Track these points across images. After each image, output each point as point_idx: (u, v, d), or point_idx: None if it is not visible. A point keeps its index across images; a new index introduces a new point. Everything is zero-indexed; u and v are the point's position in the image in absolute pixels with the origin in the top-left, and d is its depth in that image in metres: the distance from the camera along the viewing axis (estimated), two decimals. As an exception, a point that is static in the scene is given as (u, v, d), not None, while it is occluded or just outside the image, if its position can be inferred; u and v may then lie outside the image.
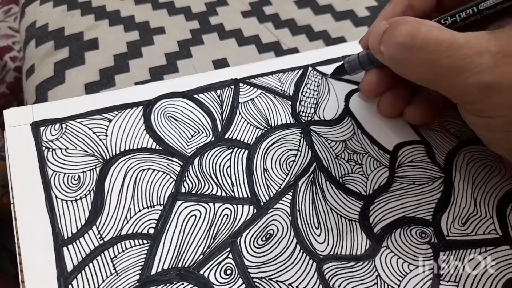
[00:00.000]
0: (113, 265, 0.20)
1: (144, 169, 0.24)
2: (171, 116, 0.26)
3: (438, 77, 0.20)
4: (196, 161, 0.24)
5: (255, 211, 0.23)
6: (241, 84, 0.28)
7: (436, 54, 0.19)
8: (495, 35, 0.19)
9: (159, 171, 0.24)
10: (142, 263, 0.21)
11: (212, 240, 0.22)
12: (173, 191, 0.23)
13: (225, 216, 0.22)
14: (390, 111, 0.27)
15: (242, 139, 0.25)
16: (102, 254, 0.21)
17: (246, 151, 0.25)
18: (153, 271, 0.20)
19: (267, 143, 0.25)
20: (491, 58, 0.18)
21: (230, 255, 0.21)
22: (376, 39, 0.22)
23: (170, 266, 0.21)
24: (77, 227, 0.21)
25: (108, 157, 0.24)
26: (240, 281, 0.20)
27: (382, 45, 0.22)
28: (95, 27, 0.34)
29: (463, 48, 0.18)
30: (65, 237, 0.21)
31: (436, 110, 0.26)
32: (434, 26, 0.20)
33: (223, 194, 0.23)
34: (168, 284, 0.20)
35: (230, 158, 0.25)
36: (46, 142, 0.24)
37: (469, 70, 0.18)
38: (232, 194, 0.23)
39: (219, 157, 0.25)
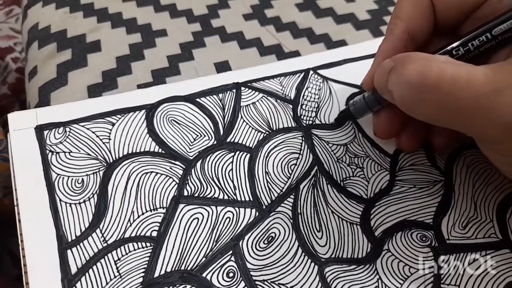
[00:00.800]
0: (117, 268, 0.21)
1: (147, 172, 0.24)
2: (173, 120, 0.26)
3: (456, 118, 0.18)
4: (198, 164, 0.24)
5: (257, 214, 0.23)
6: (242, 88, 0.28)
7: (453, 94, 0.17)
8: None
9: (161, 174, 0.24)
10: (145, 266, 0.21)
11: (214, 243, 0.22)
12: (175, 194, 0.23)
13: (228, 219, 0.23)
14: (413, 147, 0.26)
15: (244, 143, 0.26)
16: (106, 257, 0.21)
17: (248, 155, 0.25)
18: (156, 274, 0.21)
19: (269, 147, 0.26)
20: None
21: (233, 258, 0.21)
22: (382, 78, 0.21)
23: (173, 269, 0.21)
24: (81, 230, 0.22)
25: (111, 160, 0.24)
26: (243, 283, 0.21)
27: (389, 85, 0.20)
28: (97, 29, 0.34)
29: (483, 85, 0.17)
30: (69, 239, 0.21)
31: (455, 134, 0.25)
32: (446, 61, 0.18)
33: (225, 197, 0.23)
34: (171, 287, 0.20)
35: (232, 162, 0.25)
36: (50, 145, 0.24)
37: (494, 109, 0.17)
38: (234, 197, 0.23)
39: (221, 160, 0.25)
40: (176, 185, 0.24)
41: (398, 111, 0.23)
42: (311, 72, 0.30)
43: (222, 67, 0.31)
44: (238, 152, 0.25)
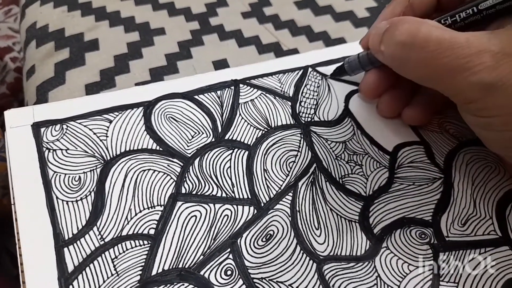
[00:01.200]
0: (114, 266, 0.20)
1: (144, 170, 0.24)
2: (171, 117, 0.26)
3: (439, 76, 0.20)
4: (196, 162, 0.24)
5: (255, 211, 0.23)
6: (241, 85, 0.28)
7: (437, 53, 0.19)
8: (496, 35, 0.19)
9: (159, 172, 0.24)
10: (143, 264, 0.21)
11: (212, 240, 0.22)
12: (173, 191, 0.23)
13: (226, 217, 0.22)
14: (389, 111, 0.27)
15: (242, 140, 0.25)
16: (103, 255, 0.21)
17: (246, 152, 0.25)
18: (154, 272, 0.21)
19: (267, 144, 0.25)
20: (491, 57, 0.18)
21: (231, 256, 0.21)
22: (377, 38, 0.23)
23: (170, 267, 0.21)
24: (77, 228, 0.21)
25: (108, 158, 0.24)
26: (241, 281, 0.20)
27: (382, 45, 0.22)
28: (95, 28, 0.34)
29: (463, 48, 0.19)
30: (66, 237, 0.21)
31: (433, 112, 0.27)
32: (435, 25, 0.20)
33: (223, 195, 0.23)
34: (168, 285, 0.20)
35: (230, 159, 0.25)
36: (47, 143, 0.24)
37: (470, 69, 0.18)
38: (232, 195, 0.23)
39: (220, 158, 0.25)
40: (174, 183, 0.23)
41: (386, 73, 0.25)
42: (309, 69, 0.30)
43: (221, 65, 0.31)
44: (236, 150, 0.25)
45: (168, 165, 0.24)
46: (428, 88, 0.25)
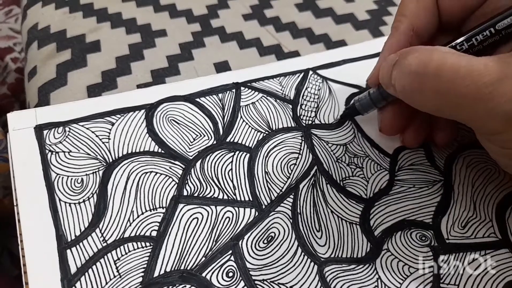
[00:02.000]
0: (116, 268, 0.21)
1: (146, 172, 0.24)
2: (173, 120, 0.26)
3: (457, 107, 0.18)
4: (198, 164, 0.24)
5: (256, 214, 0.23)
6: (242, 88, 0.28)
7: (454, 83, 0.17)
8: None
9: (161, 174, 0.24)
10: (145, 266, 0.21)
11: (214, 242, 0.22)
12: (175, 194, 0.23)
13: (227, 219, 0.23)
14: (417, 143, 0.26)
15: (243, 143, 0.26)
16: (105, 257, 0.21)
17: (248, 155, 0.25)
18: (156, 274, 0.21)
19: (268, 147, 0.26)
20: None
21: (232, 258, 0.21)
22: (387, 72, 0.21)
23: (172, 269, 0.21)
24: (80, 230, 0.22)
25: (110, 160, 0.24)
26: (242, 283, 0.21)
27: (393, 78, 0.21)
28: (97, 29, 0.34)
29: (483, 75, 0.17)
30: (69, 239, 0.21)
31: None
32: (448, 51, 0.19)
33: (225, 197, 0.23)
34: (170, 286, 0.20)
35: (231, 161, 0.25)
36: (50, 145, 0.24)
37: (492, 99, 0.17)
38: (234, 197, 0.23)
39: (221, 160, 0.25)
40: (176, 185, 0.24)
41: (403, 107, 0.23)
42: (310, 72, 0.30)
43: (222, 67, 0.31)
44: (237, 152, 0.25)
45: (170, 168, 0.24)
46: None
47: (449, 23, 0.24)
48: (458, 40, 0.21)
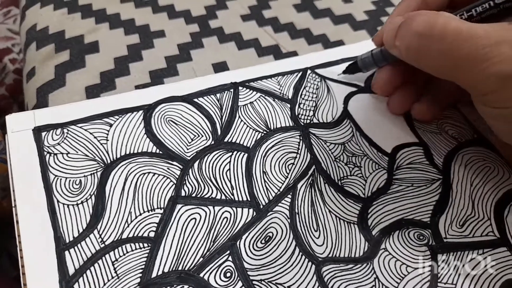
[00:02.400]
0: (114, 269, 0.21)
1: (144, 173, 0.24)
2: (171, 120, 0.26)
3: (457, 67, 0.20)
4: (196, 164, 0.24)
5: (254, 214, 0.23)
6: (240, 88, 0.28)
7: (455, 44, 0.19)
8: None
9: (159, 175, 0.24)
10: (143, 266, 0.21)
11: (212, 243, 0.22)
12: (173, 194, 0.23)
13: (225, 219, 0.23)
14: (400, 108, 0.27)
15: (241, 142, 0.26)
16: (103, 258, 0.21)
17: (246, 154, 0.25)
18: (154, 274, 0.21)
19: (266, 146, 0.26)
20: (510, 48, 0.18)
21: (230, 258, 0.21)
22: (392, 33, 0.23)
23: (170, 269, 0.21)
24: (78, 231, 0.22)
25: (109, 161, 0.24)
26: (240, 283, 0.21)
27: (398, 38, 0.22)
28: (95, 30, 0.34)
29: (482, 38, 0.19)
30: (67, 241, 0.21)
31: (443, 107, 0.27)
32: (452, 17, 0.20)
33: (223, 197, 0.23)
34: (168, 287, 0.20)
35: (229, 162, 0.25)
36: (48, 147, 0.24)
37: (489, 60, 0.18)
38: (232, 197, 0.23)
39: (219, 160, 0.25)
40: (174, 186, 0.24)
41: (399, 70, 0.25)
42: (308, 71, 0.30)
43: (220, 68, 0.31)
44: (235, 152, 0.25)
45: (168, 168, 0.24)
46: (439, 84, 0.25)
47: (459, 1, 0.25)
48: (459, 10, 0.23)
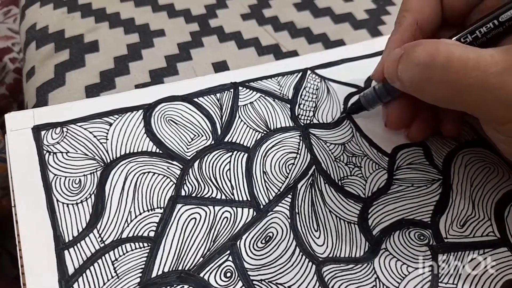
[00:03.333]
0: (114, 268, 0.21)
1: (144, 173, 0.24)
2: (171, 120, 0.26)
3: (464, 97, 0.19)
4: (196, 164, 0.24)
5: (254, 214, 0.23)
6: (240, 88, 0.28)
7: (462, 73, 0.18)
8: None
9: (159, 174, 0.24)
10: (143, 266, 0.21)
11: (212, 243, 0.22)
12: (173, 194, 0.23)
13: (225, 219, 0.23)
14: (422, 137, 0.26)
15: (241, 142, 0.26)
16: (103, 257, 0.21)
17: (246, 154, 0.25)
18: (154, 274, 0.21)
19: (267, 146, 0.26)
20: None
21: (230, 258, 0.21)
22: (393, 65, 0.21)
23: (170, 269, 0.21)
24: (78, 231, 0.21)
25: (108, 160, 0.24)
26: (240, 283, 0.21)
27: (399, 71, 0.21)
28: (95, 29, 0.34)
29: (490, 66, 0.17)
30: (66, 240, 0.21)
31: (462, 119, 0.26)
32: (453, 44, 0.19)
33: (223, 197, 0.23)
34: (168, 287, 0.20)
35: (229, 161, 0.25)
36: (47, 146, 0.24)
37: (500, 89, 0.17)
38: (232, 197, 0.23)
39: (219, 160, 0.25)
40: (174, 185, 0.23)
41: (408, 102, 0.24)
42: (308, 71, 0.30)
43: (220, 67, 0.31)
44: (235, 152, 0.25)
45: (168, 168, 0.24)
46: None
47: (452, 17, 0.24)
48: (462, 33, 0.21)
